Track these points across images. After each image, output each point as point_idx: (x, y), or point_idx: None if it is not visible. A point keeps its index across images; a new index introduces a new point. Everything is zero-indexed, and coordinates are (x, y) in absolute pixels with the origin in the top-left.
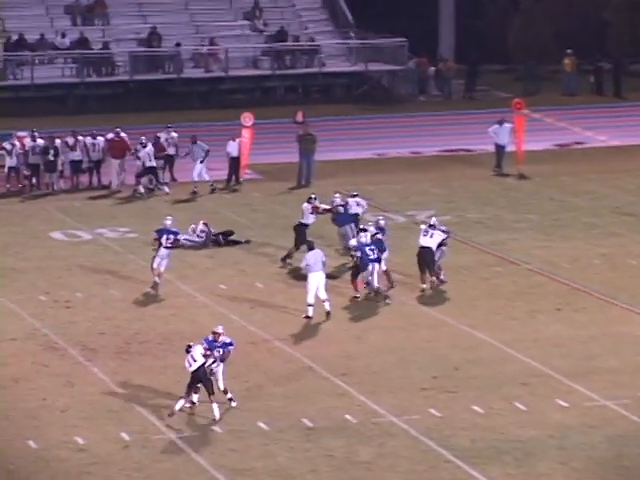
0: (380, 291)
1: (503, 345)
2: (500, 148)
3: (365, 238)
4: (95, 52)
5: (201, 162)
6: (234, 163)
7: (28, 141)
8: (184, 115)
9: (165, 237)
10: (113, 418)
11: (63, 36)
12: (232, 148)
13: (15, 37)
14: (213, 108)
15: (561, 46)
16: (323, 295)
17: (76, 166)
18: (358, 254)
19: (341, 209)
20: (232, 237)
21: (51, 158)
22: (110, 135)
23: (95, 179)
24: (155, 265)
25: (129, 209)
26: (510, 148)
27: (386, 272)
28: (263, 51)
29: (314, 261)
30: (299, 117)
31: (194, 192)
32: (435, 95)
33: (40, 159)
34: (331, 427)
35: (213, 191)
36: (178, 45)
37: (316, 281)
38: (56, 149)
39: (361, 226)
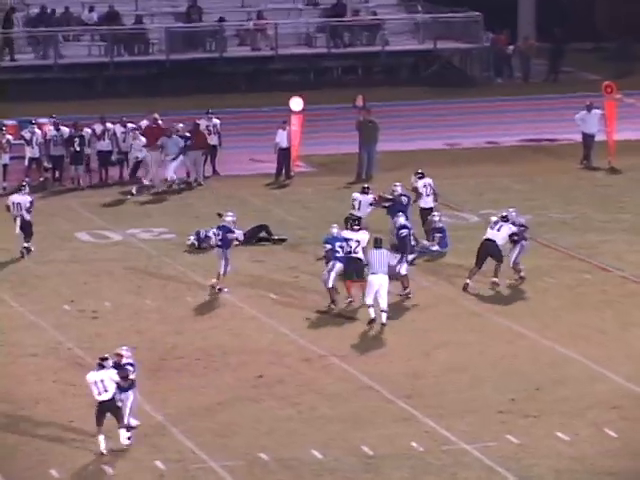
0: (331, 294)
1: (591, 362)
2: (588, 137)
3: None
4: (127, 28)
5: (173, 159)
6: (284, 155)
7: (50, 129)
8: (227, 99)
9: (216, 234)
10: (147, 444)
11: (91, 10)
12: (281, 138)
13: (36, 10)
14: (260, 91)
15: None
16: (384, 304)
17: (105, 158)
18: (328, 246)
19: (404, 199)
20: (263, 234)
21: (77, 149)
22: (145, 122)
23: (126, 172)
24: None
25: (164, 207)
26: (600, 137)
27: (405, 277)
28: (318, 27)
29: (378, 261)
30: (359, 102)
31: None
32: (514, 77)
33: (64, 150)
34: (394, 455)
35: (170, 187)
36: (221, 20)
37: (378, 284)
38: (82, 138)
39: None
